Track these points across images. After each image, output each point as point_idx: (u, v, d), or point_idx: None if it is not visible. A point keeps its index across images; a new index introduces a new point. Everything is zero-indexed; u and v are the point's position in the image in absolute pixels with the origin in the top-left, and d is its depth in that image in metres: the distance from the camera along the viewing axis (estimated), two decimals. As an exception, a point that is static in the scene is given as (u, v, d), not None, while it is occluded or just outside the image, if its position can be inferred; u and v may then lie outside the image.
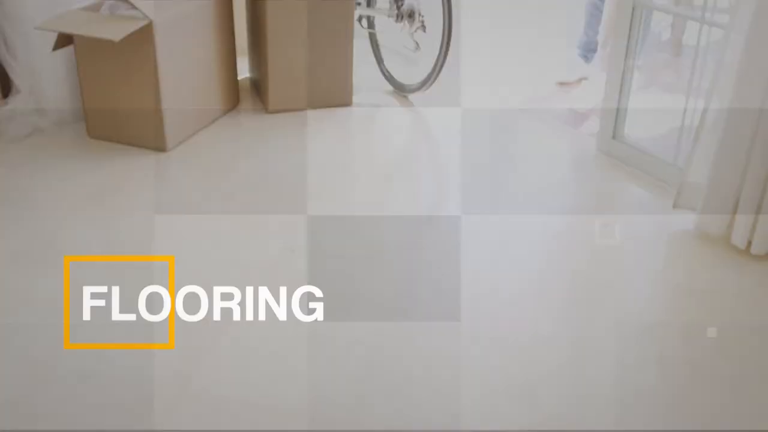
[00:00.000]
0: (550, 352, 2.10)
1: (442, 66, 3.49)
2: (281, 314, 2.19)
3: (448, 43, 3.44)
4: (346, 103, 3.61)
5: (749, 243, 2.52)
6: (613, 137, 3.12)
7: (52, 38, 3.06)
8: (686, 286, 2.40)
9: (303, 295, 2.27)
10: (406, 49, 3.75)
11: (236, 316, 2.17)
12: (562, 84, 3.95)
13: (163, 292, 2.26)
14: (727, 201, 2.54)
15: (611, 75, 3.06)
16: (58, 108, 3.30)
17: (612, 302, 2.33)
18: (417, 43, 3.64)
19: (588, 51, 4.03)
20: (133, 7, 2.96)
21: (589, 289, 2.39)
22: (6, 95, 3.27)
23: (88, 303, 2.20)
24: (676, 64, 4.28)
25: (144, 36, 2.90)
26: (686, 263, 2.53)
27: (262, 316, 2.18)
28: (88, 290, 2.24)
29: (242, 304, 2.21)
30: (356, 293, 2.32)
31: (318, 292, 2.28)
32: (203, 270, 2.38)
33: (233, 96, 3.54)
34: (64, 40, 3.09)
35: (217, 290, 2.27)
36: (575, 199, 2.94)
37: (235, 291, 2.27)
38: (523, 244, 2.62)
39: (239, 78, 3.61)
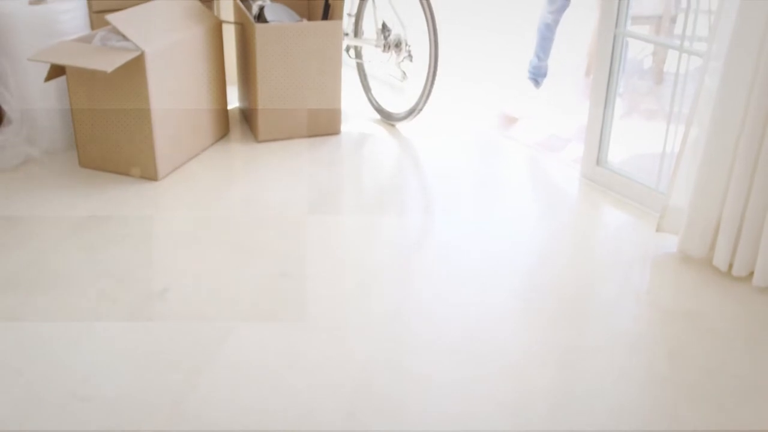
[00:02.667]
0: (536, 372, 2.13)
1: (428, 95, 3.55)
2: (272, 341, 2.22)
3: (434, 73, 3.50)
4: (335, 131, 3.66)
5: (730, 265, 2.57)
6: (597, 163, 3.18)
7: (44, 69, 3.10)
8: (670, 307, 2.44)
9: (294, 321, 2.31)
10: (393, 79, 3.81)
11: (229, 343, 2.20)
12: (506, 116, 3.97)
13: (156, 319, 2.30)
14: (709, 224, 2.60)
15: (594, 102, 3.13)
16: (50, 137, 3.34)
17: (597, 323, 2.37)
18: (404, 72, 3.70)
19: (539, 75, 4.06)
20: (125, 38, 3.02)
21: (575, 309, 2.42)
22: (-2, 125, 3.32)
23: (79, 329, 2.24)
24: (657, 92, 4.37)
25: (136, 67, 2.95)
26: (670, 285, 2.58)
27: (254, 343, 2.21)
28: (80, 316, 2.28)
29: (234, 331, 2.24)
30: (348, 319, 2.35)
31: (311, 318, 2.33)
32: (195, 298, 2.41)
33: (223, 125, 3.58)
34: (57, 71, 3.13)
35: (210, 317, 2.31)
36: (560, 224, 2.99)
37: (228, 318, 2.31)
38: (508, 267, 2.66)
39: (229, 108, 3.66)
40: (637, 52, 4.60)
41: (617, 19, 2.95)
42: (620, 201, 3.07)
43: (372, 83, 4.01)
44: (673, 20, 4.48)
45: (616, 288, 2.56)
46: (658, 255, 2.74)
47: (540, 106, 4.01)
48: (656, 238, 2.80)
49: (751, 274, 2.54)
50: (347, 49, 3.93)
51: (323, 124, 3.63)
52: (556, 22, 3.94)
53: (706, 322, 2.37)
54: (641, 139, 3.70)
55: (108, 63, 2.86)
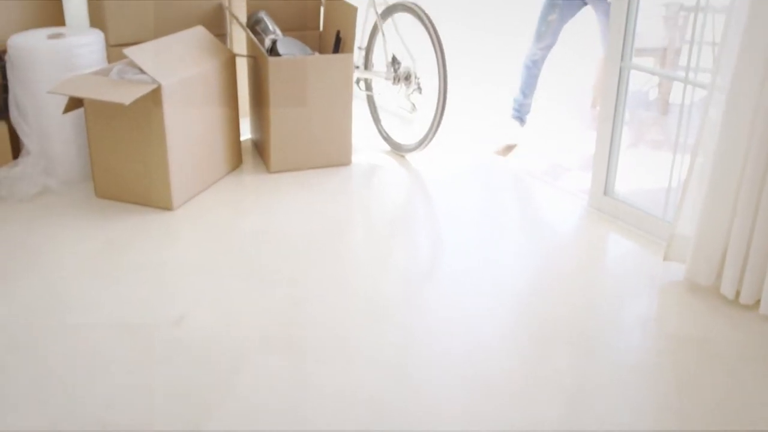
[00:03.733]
0: (545, 400, 2.16)
1: (438, 126, 3.62)
2: (285, 369, 2.26)
3: (443, 105, 3.57)
4: (346, 162, 3.72)
5: (738, 293, 2.61)
6: (604, 193, 3.23)
7: (62, 101, 3.18)
8: (678, 334, 2.47)
9: (307, 350, 2.35)
10: (403, 111, 3.88)
11: (244, 371, 2.24)
12: (498, 154, 4.02)
13: (173, 347, 2.34)
14: (715, 252, 2.64)
15: (601, 134, 3.19)
16: (67, 168, 3.41)
17: (605, 350, 2.39)
18: (413, 104, 3.77)
19: (524, 113, 4.11)
20: (142, 71, 3.09)
21: (583, 337, 2.45)
22: (16, 156, 3.38)
23: (97, 357, 2.28)
24: (663, 122, 4.43)
25: (152, 99, 3.02)
26: (677, 313, 2.61)
27: (268, 371, 2.25)
28: (97, 346, 2.33)
29: (249, 360, 2.28)
30: (360, 348, 2.38)
31: (323, 347, 2.36)
32: (211, 326, 2.45)
33: (236, 156, 3.65)
34: (74, 103, 3.20)
35: (225, 345, 2.35)
36: (568, 253, 3.03)
37: (243, 346, 2.35)
38: (517, 296, 2.70)
39: (241, 139, 3.72)
40: (643, 83, 4.67)
41: (623, 53, 3.02)
42: (627, 230, 3.11)
43: (382, 115, 4.09)
44: (678, 52, 4.55)
45: (624, 316, 2.59)
46: (666, 283, 2.77)
47: (546, 137, 4.06)
48: (663, 267, 2.83)
49: (758, 302, 2.57)
50: (358, 82, 4.01)
51: (334, 155, 3.69)
52: (543, 58, 4.01)
53: (714, 349, 2.40)
54: (648, 168, 3.75)
55: (126, 96, 2.93)
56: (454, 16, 4.62)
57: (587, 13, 3.94)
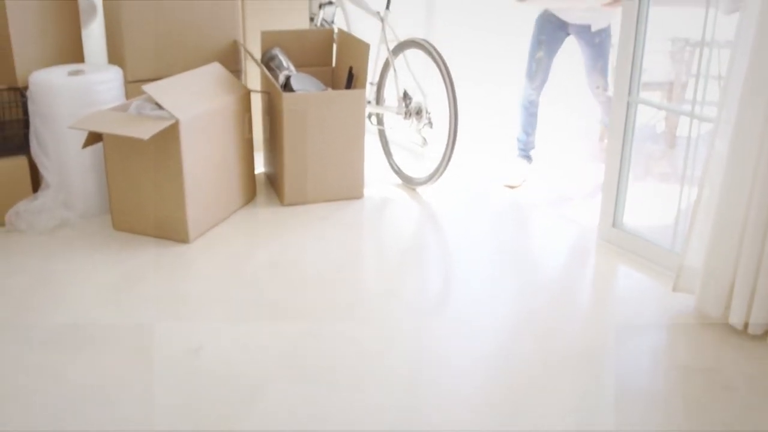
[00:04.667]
0: (557, 426, 2.19)
1: (449, 160, 3.68)
2: (300, 398, 2.30)
3: (454, 139, 3.63)
4: (358, 196, 3.78)
5: (746, 324, 2.64)
6: (613, 225, 3.27)
7: (82, 136, 3.26)
8: (687, 365, 2.50)
9: (321, 380, 2.39)
10: (414, 145, 3.95)
11: (260, 401, 2.28)
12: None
13: (190, 377, 2.39)
14: (724, 283, 2.67)
15: (609, 167, 3.24)
16: (85, 202, 3.48)
17: (616, 381, 2.42)
18: (424, 138, 3.83)
19: (529, 150, 4.17)
20: (159, 107, 3.17)
21: (594, 368, 2.48)
22: (36, 190, 3.45)
23: (116, 387, 2.33)
24: (670, 155, 4.48)
25: (170, 134, 3.09)
26: (687, 343, 2.64)
27: (284, 401, 2.29)
28: (115, 375, 2.38)
29: (265, 389, 2.33)
30: (373, 378, 2.42)
31: (337, 377, 2.41)
32: (227, 356, 2.50)
33: (251, 190, 3.72)
34: (93, 138, 3.28)
35: (242, 375, 2.40)
36: (578, 285, 3.07)
37: (259, 376, 2.39)
38: (527, 327, 2.73)
39: (255, 172, 3.79)
40: (651, 116, 4.73)
41: (630, 87, 3.08)
42: (637, 261, 3.16)
43: (393, 149, 4.15)
44: (684, 86, 4.61)
45: (634, 347, 2.62)
46: (675, 314, 2.81)
47: (555, 170, 4.12)
48: (673, 298, 2.87)
49: (766, 332, 2.61)
50: (370, 117, 4.08)
51: (346, 189, 3.75)
52: (539, 96, 4.08)
53: (723, 380, 2.43)
54: (656, 201, 3.80)
55: (145, 131, 3.01)
56: (463, 49, 4.70)
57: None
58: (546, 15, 3.93)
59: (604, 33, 3.86)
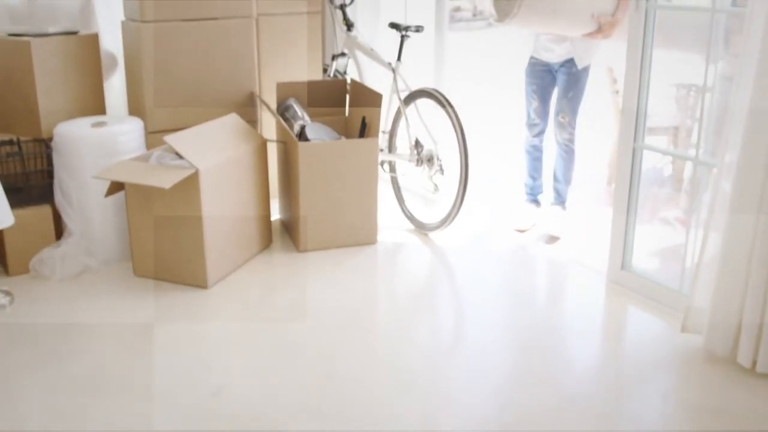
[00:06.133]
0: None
1: (460, 206, 3.76)
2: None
3: (465, 185, 3.72)
4: (372, 241, 3.87)
5: (754, 362, 2.69)
6: (622, 267, 3.34)
7: (104, 185, 3.37)
8: (697, 404, 2.55)
9: (339, 421, 2.45)
10: (426, 191, 4.04)
11: (279, 436, 2.35)
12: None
13: (212, 418, 2.45)
14: (731, 324, 2.73)
15: (617, 210, 3.32)
16: (107, 249, 3.58)
17: (626, 420, 2.47)
18: (436, 185, 3.92)
19: (537, 194, 4.26)
20: (179, 156, 3.28)
21: (605, 408, 2.53)
22: (59, 237, 3.56)
23: (140, 430, 2.39)
24: (677, 199, 4.55)
25: (190, 183, 3.20)
26: (696, 382, 2.69)
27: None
28: (138, 417, 2.44)
29: (284, 429, 2.39)
30: (388, 419, 2.48)
31: (354, 418, 2.47)
32: (248, 398, 2.56)
33: (267, 236, 3.81)
34: (116, 187, 3.39)
35: (262, 416, 2.46)
36: (589, 326, 3.12)
37: (278, 417, 2.46)
38: (539, 370, 2.79)
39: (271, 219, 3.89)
40: (658, 160, 4.82)
41: (635, 134, 3.18)
42: (645, 303, 3.22)
43: (406, 195, 4.25)
44: (690, 131, 4.70)
45: (644, 387, 2.67)
46: (684, 354, 2.86)
47: (565, 214, 4.19)
48: (681, 338, 2.93)
49: (775, 371, 2.67)
50: (382, 164, 4.17)
51: (360, 235, 3.84)
52: (542, 141, 4.15)
53: (732, 418, 2.47)
54: (664, 243, 3.87)
55: (166, 180, 3.11)
56: (472, 97, 4.83)
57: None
58: (532, 62, 4.03)
59: (583, 69, 3.93)
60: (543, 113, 4.08)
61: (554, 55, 3.92)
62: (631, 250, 3.33)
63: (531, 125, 4.11)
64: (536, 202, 4.23)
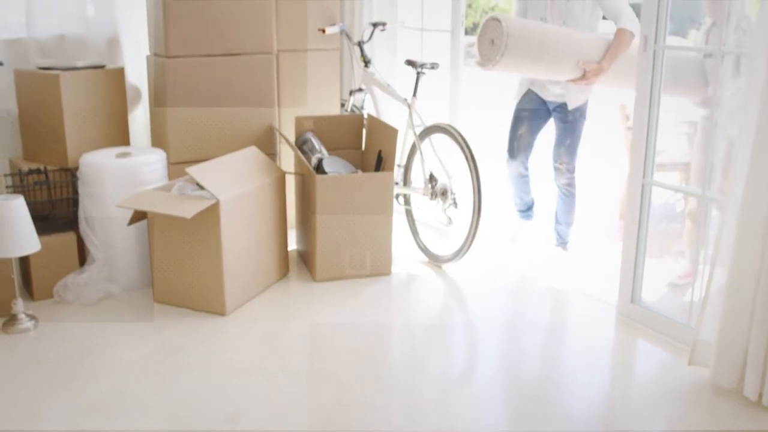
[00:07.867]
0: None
1: (473, 238, 3.84)
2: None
3: (478, 218, 3.80)
4: (386, 272, 3.94)
5: (760, 395, 2.73)
6: (631, 301, 3.40)
7: (127, 214, 3.48)
8: (704, 435, 2.61)
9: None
10: (440, 224, 4.11)
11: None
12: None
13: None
14: (737, 357, 2.78)
15: (627, 245, 3.39)
16: (128, 276, 3.67)
17: (635, 449, 2.53)
18: (449, 218, 4.00)
19: (528, 209, 4.34)
20: (201, 187, 3.38)
21: (614, 437, 2.59)
22: (82, 264, 3.66)
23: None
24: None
25: (210, 213, 3.29)
26: (703, 415, 2.74)
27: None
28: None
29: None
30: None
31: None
32: (263, 423, 2.63)
33: (284, 266, 3.89)
34: (138, 216, 3.49)
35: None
36: (598, 358, 3.17)
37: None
38: (549, 401, 2.84)
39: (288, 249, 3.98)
40: (670, 195, 4.88)
41: (644, 170, 3.25)
42: (654, 336, 3.27)
43: (420, 228, 4.33)
44: (701, 167, 4.75)
45: (652, 420, 2.71)
46: (691, 387, 2.90)
47: (575, 247, 4.26)
48: (689, 371, 2.97)
49: (780, 404, 2.71)
50: (397, 197, 4.26)
51: (375, 266, 3.91)
52: (526, 168, 4.24)
53: (738, 448, 2.52)
54: (673, 277, 3.92)
55: (188, 210, 3.21)
56: (486, 133, 4.92)
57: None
58: (528, 93, 4.12)
59: (578, 112, 4.00)
60: (528, 143, 4.17)
61: (549, 94, 4.03)
62: (640, 284, 3.39)
63: (513, 153, 4.19)
64: (527, 216, 4.34)
